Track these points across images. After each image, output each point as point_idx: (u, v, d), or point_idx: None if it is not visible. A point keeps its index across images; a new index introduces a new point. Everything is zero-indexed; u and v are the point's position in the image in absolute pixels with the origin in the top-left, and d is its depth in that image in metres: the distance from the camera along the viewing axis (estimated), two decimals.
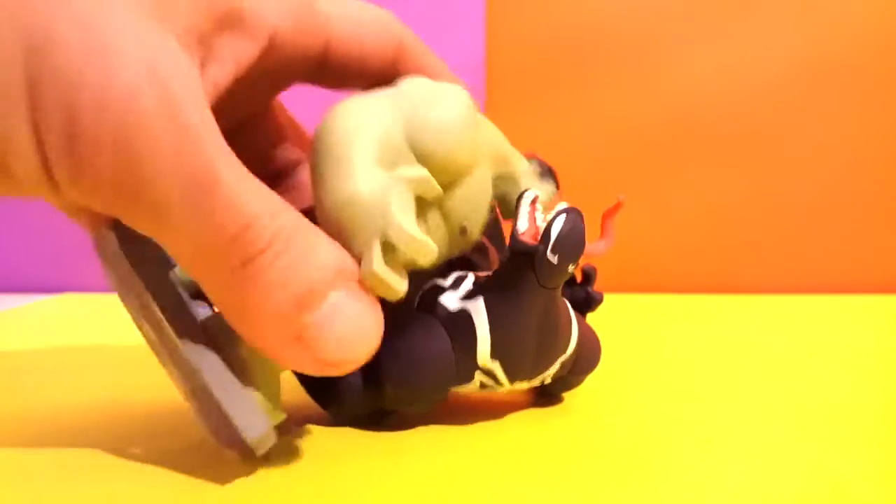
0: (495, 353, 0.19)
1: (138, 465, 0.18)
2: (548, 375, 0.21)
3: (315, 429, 0.20)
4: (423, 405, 0.20)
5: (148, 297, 0.15)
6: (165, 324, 0.15)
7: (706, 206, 0.48)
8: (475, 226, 0.19)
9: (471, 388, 0.20)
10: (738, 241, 0.48)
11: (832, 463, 0.18)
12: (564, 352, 0.20)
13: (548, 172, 0.22)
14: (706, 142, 0.48)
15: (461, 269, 0.21)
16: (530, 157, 0.22)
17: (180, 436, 0.20)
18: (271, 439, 0.15)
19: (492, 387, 0.20)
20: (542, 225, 0.18)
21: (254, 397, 0.15)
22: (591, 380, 0.25)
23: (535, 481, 0.17)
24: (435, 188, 0.16)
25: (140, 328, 0.17)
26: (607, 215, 0.21)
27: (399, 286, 0.15)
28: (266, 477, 0.17)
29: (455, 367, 0.19)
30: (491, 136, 0.20)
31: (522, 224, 0.18)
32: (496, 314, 0.19)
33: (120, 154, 0.12)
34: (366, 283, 0.15)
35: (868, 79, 0.46)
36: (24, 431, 0.20)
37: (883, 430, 0.20)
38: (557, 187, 0.22)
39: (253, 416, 0.15)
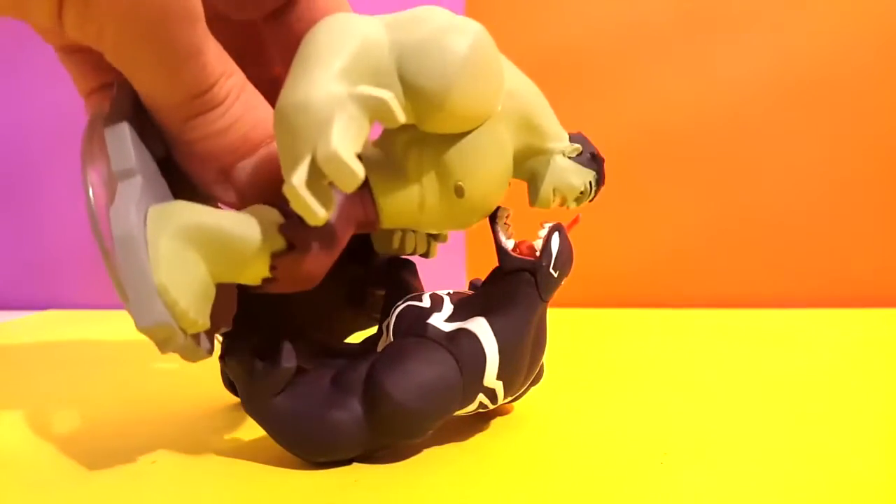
0: (501, 373, 0.18)
1: (120, 476, 0.18)
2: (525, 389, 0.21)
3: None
4: (422, 435, 0.18)
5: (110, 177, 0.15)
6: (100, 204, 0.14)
7: (679, 223, 0.49)
8: (474, 188, 0.17)
9: (468, 411, 0.19)
10: (711, 256, 0.49)
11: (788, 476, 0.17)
12: (540, 362, 0.20)
13: (591, 159, 0.19)
14: (680, 159, 0.48)
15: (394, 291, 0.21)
16: (576, 135, 0.19)
17: (162, 445, 0.20)
18: (176, 339, 0.14)
19: (486, 407, 0.19)
20: (534, 242, 0.18)
21: (156, 287, 0.14)
22: (553, 393, 0.25)
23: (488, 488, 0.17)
24: (395, 115, 0.14)
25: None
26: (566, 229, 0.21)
27: (317, 209, 0.14)
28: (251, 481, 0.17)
29: (462, 391, 0.18)
30: (521, 95, 0.17)
31: (508, 241, 0.18)
32: (503, 333, 0.18)
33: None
34: (287, 196, 0.14)
35: (840, 96, 0.47)
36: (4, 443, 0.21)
37: (848, 450, 0.19)
38: (602, 178, 0.19)
39: (150, 304, 0.14)
